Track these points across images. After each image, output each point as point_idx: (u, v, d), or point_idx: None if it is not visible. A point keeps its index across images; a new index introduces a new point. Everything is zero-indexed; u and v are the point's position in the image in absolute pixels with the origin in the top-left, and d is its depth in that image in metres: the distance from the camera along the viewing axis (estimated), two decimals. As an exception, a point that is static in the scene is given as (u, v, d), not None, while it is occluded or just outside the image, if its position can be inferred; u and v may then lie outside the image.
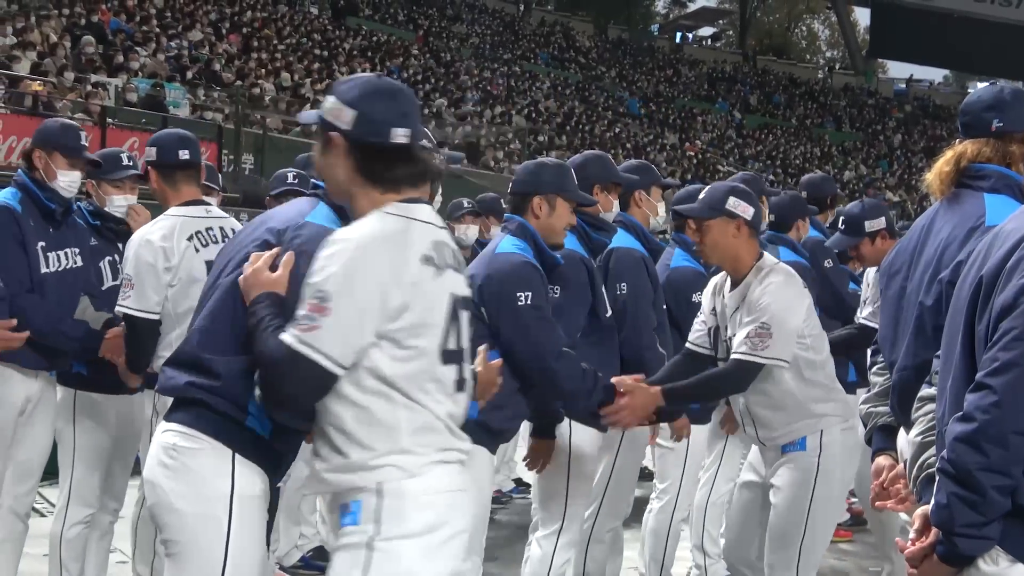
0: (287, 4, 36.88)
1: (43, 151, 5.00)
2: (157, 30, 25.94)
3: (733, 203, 4.65)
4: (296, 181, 6.38)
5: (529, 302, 4.30)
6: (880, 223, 5.81)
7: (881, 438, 3.41)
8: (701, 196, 4.76)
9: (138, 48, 23.29)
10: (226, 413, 3.12)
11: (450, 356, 2.95)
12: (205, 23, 29.26)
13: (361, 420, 2.87)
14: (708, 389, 4.82)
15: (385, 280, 2.82)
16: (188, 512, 3.12)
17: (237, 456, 3.13)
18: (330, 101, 3.06)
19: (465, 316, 3.05)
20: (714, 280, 4.92)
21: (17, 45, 19.82)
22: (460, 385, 3.01)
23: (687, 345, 4.95)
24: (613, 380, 4.56)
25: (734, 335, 4.61)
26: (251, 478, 3.17)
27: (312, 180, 3.61)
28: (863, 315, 5.84)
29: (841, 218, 6.05)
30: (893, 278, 3.51)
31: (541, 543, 4.94)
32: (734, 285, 4.71)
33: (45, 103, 17.18)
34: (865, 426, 3.51)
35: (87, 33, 22.58)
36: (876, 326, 5.56)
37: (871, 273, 5.82)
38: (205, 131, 19.50)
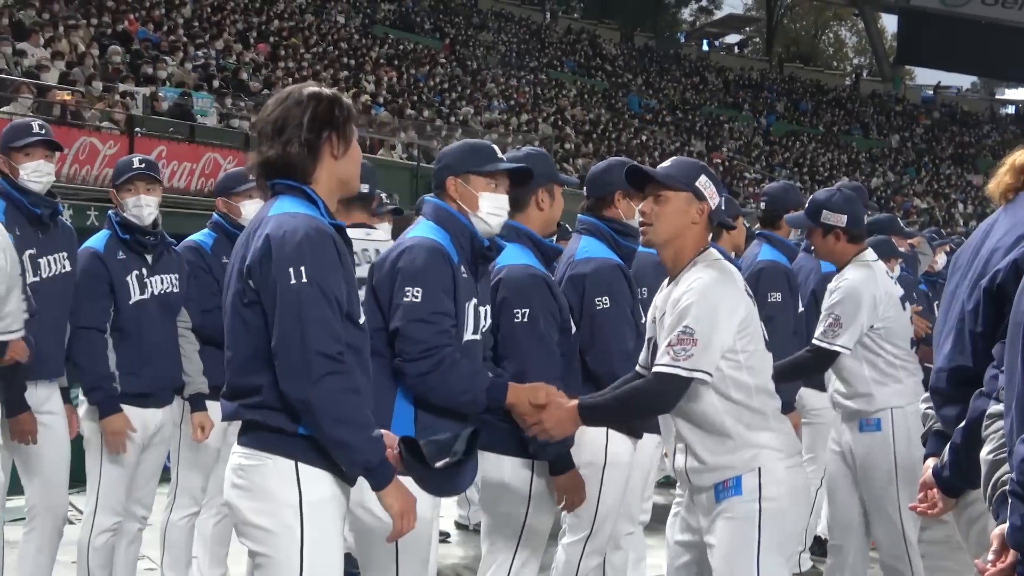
0: (314, 13, 37.02)
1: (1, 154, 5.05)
2: (184, 39, 26.08)
3: (704, 182, 3.96)
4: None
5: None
6: (839, 219, 5.30)
7: (934, 443, 3.32)
8: (667, 164, 4.09)
9: (165, 57, 23.40)
10: (278, 426, 3.22)
11: None
12: (232, 32, 29.40)
13: None
14: (626, 405, 4.08)
15: None
16: (264, 526, 3.24)
17: (300, 464, 3.24)
18: None
19: None
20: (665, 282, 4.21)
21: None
22: None
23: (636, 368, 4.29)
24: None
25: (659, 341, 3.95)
26: (318, 483, 3.26)
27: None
28: (817, 334, 5.31)
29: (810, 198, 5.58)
30: (953, 275, 3.38)
31: (568, 549, 4.91)
32: (669, 283, 4.05)
33: (73, 112, 17.28)
34: (924, 425, 3.44)
35: (115, 42, 22.72)
36: (834, 348, 5.21)
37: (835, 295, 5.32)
38: (232, 140, 19.65)
